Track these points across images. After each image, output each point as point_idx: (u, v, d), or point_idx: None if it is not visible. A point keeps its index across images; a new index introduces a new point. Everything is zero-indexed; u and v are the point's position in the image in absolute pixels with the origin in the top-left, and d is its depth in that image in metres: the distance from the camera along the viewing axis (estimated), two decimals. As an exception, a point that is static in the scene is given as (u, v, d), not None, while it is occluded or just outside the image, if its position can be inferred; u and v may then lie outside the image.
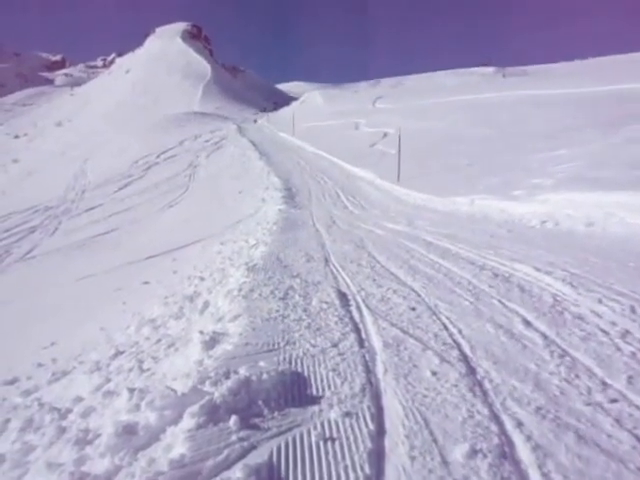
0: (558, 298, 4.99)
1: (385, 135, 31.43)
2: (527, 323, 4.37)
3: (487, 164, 17.66)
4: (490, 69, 73.30)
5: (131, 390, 3.77)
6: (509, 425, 2.84)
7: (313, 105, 65.14)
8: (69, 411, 4.34)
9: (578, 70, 44.81)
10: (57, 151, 67.34)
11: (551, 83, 36.53)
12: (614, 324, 4.17)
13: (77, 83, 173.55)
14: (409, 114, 36.70)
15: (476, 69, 74.91)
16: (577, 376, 3.36)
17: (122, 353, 5.95)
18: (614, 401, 3.03)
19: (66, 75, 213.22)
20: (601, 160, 12.19)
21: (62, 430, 3.91)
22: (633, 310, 4.39)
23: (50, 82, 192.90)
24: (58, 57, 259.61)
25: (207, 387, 3.40)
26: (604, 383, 3.25)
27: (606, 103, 24.07)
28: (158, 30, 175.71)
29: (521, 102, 31.53)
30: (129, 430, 3.11)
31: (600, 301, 4.70)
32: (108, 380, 5.02)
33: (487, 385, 3.33)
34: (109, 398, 4.27)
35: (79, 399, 4.64)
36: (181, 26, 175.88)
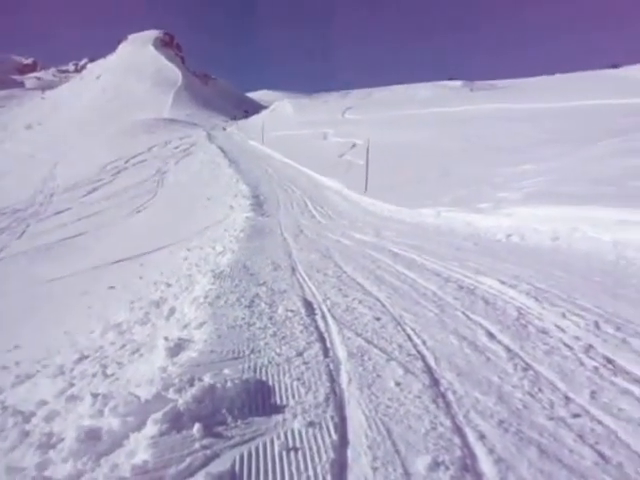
0: (522, 311, 5.00)
1: (354, 146, 31.59)
2: (491, 336, 4.36)
3: (454, 177, 17.85)
4: (458, 83, 74.07)
5: (95, 395, 3.70)
6: (472, 437, 2.82)
7: (283, 114, 65.20)
8: (32, 415, 4.28)
9: (545, 86, 45.51)
10: (27, 154, 66.29)
11: (519, 98, 37.09)
12: (578, 339, 4.17)
13: (48, 87, 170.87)
14: (378, 125, 36.96)
15: (445, 82, 75.61)
16: (540, 390, 3.35)
17: (86, 358, 5.87)
18: (577, 416, 3.02)
19: (37, 78, 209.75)
20: (567, 175, 12.36)
21: (25, 434, 3.85)
22: (597, 325, 4.39)
23: (21, 85, 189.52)
24: (30, 60, 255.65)
25: (171, 394, 3.34)
26: (567, 397, 3.24)
27: (575, 118, 24.49)
28: (130, 37, 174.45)
29: (489, 116, 31.97)
30: (92, 435, 3.05)
31: (564, 315, 4.70)
32: (72, 384, 4.96)
33: (450, 397, 3.30)
34: (73, 403, 4.21)
35: (43, 403, 4.57)
36: (153, 34, 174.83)
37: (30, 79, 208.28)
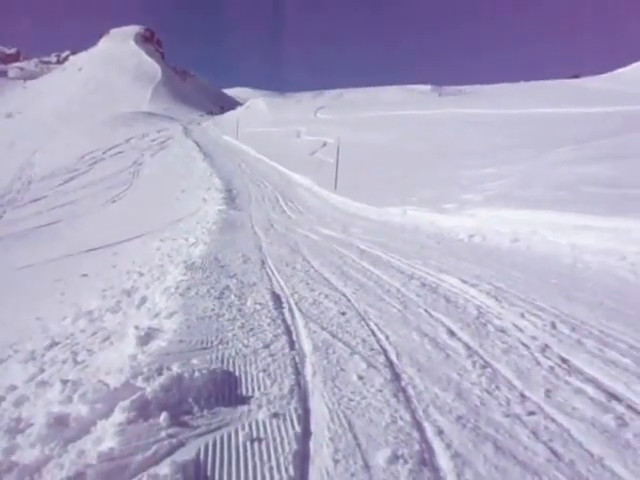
0: (482, 310, 5.02)
1: (325, 144, 31.61)
2: (451, 333, 4.36)
3: (421, 177, 17.94)
4: (427, 87, 74.66)
5: (64, 382, 3.63)
6: (430, 432, 2.81)
7: (257, 111, 64.92)
8: (2, 399, 4.17)
9: (510, 93, 46.08)
10: (6, 142, 64.89)
11: (484, 104, 37.50)
12: (535, 338, 4.19)
13: (30, 77, 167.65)
14: (348, 125, 37.05)
15: (414, 86, 76.15)
16: (497, 387, 3.35)
17: (57, 344, 5.73)
18: (532, 413, 3.02)
19: (20, 68, 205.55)
20: (527, 179, 12.47)
21: None
22: (553, 325, 4.42)
23: (3, 74, 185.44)
24: (13, 50, 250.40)
25: (139, 382, 3.27)
26: (523, 395, 3.24)
27: (538, 125, 24.79)
28: (112, 31, 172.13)
29: (456, 120, 32.23)
30: (60, 421, 2.98)
31: (522, 315, 4.73)
32: (42, 370, 4.83)
33: (411, 391, 3.29)
34: (42, 388, 4.10)
35: (12, 388, 4.45)
36: (135, 29, 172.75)
37: (12, 69, 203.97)
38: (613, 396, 3.21)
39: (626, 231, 7.10)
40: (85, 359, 4.77)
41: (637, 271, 6.19)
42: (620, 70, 48.03)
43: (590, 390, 3.28)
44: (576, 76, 62.73)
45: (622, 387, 3.30)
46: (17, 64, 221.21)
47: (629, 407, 3.07)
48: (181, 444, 2.69)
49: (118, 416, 2.89)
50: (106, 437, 2.75)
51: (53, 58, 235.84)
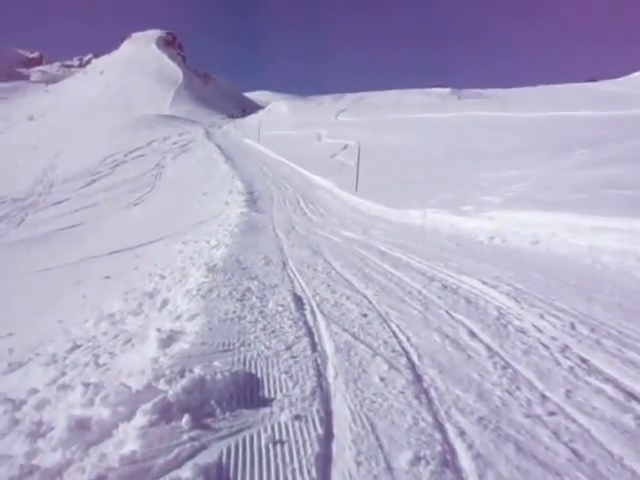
0: (502, 311, 5.01)
1: (345, 147, 31.58)
2: (472, 334, 4.36)
3: (440, 180, 17.86)
4: (447, 90, 74.37)
5: (86, 385, 3.63)
6: (452, 434, 2.81)
7: (278, 114, 65.04)
8: (23, 403, 4.16)
9: (528, 96, 45.88)
10: (28, 145, 65.73)
11: (503, 107, 37.32)
12: (554, 339, 4.19)
13: (52, 80, 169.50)
14: (369, 128, 36.96)
15: (433, 90, 75.86)
16: (518, 388, 3.35)
17: (79, 347, 5.76)
18: (552, 414, 3.02)
19: (42, 72, 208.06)
20: (548, 182, 12.39)
21: (15, 422, 3.74)
22: (572, 326, 4.42)
23: (26, 78, 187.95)
24: (35, 54, 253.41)
25: (161, 385, 3.29)
26: (543, 396, 3.24)
27: (555, 128, 24.67)
28: (134, 35, 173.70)
29: (475, 123, 32.10)
30: (82, 425, 2.99)
31: (542, 316, 4.72)
32: (63, 373, 4.84)
33: (432, 393, 3.29)
34: (64, 392, 4.07)
35: (34, 391, 4.44)
36: (156, 33, 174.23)
37: (35, 72, 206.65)
38: (632, 396, 3.21)
39: None
40: (107, 362, 4.78)
41: (654, 272, 6.15)
42: (636, 74, 47.94)
43: (609, 390, 3.28)
44: (593, 80, 62.56)
45: None
46: (39, 68, 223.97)
47: None
48: (203, 447, 2.69)
49: (140, 419, 2.91)
50: (128, 440, 2.76)
51: (75, 62, 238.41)
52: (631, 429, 2.84)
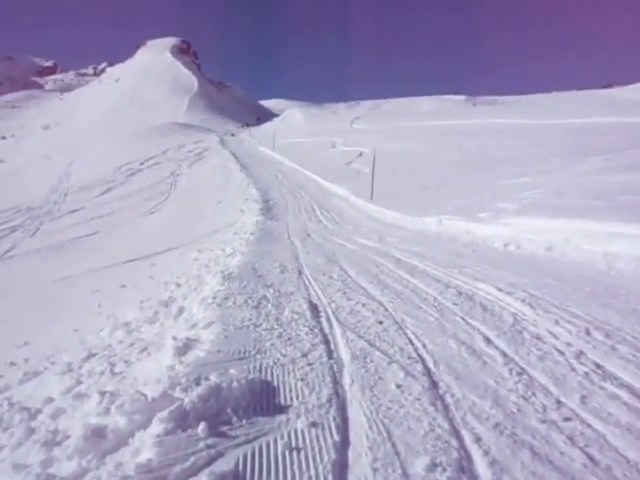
0: (518, 318, 5.02)
1: (360, 154, 31.59)
2: (488, 341, 4.38)
3: (455, 187, 17.82)
4: (461, 97, 74.40)
5: (102, 393, 3.68)
6: (468, 440, 2.83)
7: (293, 122, 65.27)
8: (39, 412, 4.21)
9: (543, 103, 45.87)
10: (43, 153, 66.45)
11: (518, 113, 37.25)
12: (569, 345, 4.20)
13: (67, 89, 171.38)
14: (384, 136, 36.98)
15: (449, 97, 75.89)
16: (534, 394, 3.37)
17: (94, 356, 5.81)
18: (568, 419, 3.05)
19: (57, 81, 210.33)
20: (561, 188, 12.36)
21: (31, 431, 3.79)
22: (587, 332, 4.43)
23: (40, 86, 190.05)
24: (50, 63, 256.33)
25: (177, 393, 3.32)
26: (559, 402, 3.27)
27: (569, 135, 24.60)
28: (149, 43, 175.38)
29: (490, 130, 32.06)
30: (98, 433, 3.03)
31: (557, 322, 4.74)
32: (79, 382, 4.89)
33: (448, 399, 3.32)
34: (79, 400, 4.14)
35: (49, 400, 4.50)
36: (171, 41, 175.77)
37: (49, 81, 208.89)
38: (647, 401, 3.21)
39: None
40: (122, 370, 4.82)
41: (669, 278, 6.14)
42: None
43: (625, 395, 3.30)
44: (608, 85, 62.49)
45: None
46: (54, 76, 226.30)
47: None
48: (220, 454, 2.72)
49: (156, 427, 2.93)
50: (144, 448, 2.78)
51: (90, 70, 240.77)
52: (646, 434, 2.85)
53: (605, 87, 61.29)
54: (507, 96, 70.88)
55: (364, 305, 5.68)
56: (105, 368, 5.02)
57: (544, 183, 13.95)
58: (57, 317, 9.25)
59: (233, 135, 70.22)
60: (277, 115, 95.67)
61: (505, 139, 27.14)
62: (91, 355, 5.85)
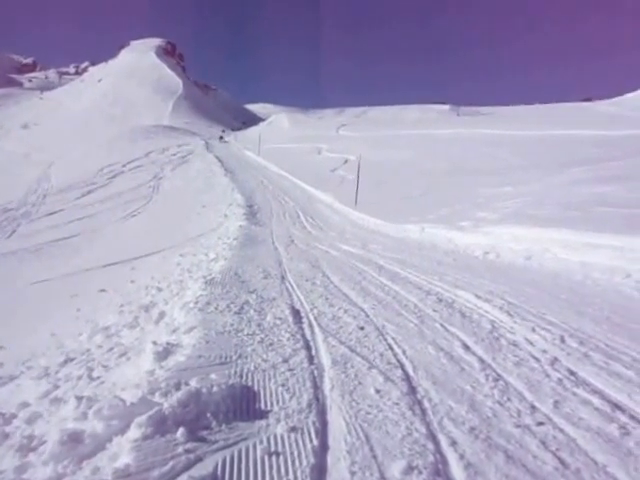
0: (495, 325, 5.14)
1: (346, 161, 31.80)
2: (466, 347, 4.48)
3: (438, 195, 18.05)
4: (446, 107, 75.29)
5: (79, 398, 3.63)
6: (444, 444, 2.90)
7: (279, 127, 65.43)
8: (14, 417, 4.10)
9: (525, 114, 46.80)
10: (21, 153, 65.82)
11: (501, 124, 37.93)
12: (545, 352, 4.32)
13: (47, 87, 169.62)
14: (369, 143, 37.25)
15: (433, 106, 76.75)
16: (509, 399, 3.46)
17: (72, 360, 5.71)
18: (541, 424, 3.13)
19: (36, 79, 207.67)
20: (541, 199, 12.62)
21: (5, 436, 3.68)
22: (562, 339, 4.56)
23: (19, 84, 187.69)
24: (29, 60, 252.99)
25: (157, 398, 3.32)
26: (533, 407, 3.36)
27: (550, 146, 25.07)
28: (133, 43, 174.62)
29: (474, 139, 32.50)
30: (75, 438, 2.99)
31: (533, 330, 4.87)
32: (56, 387, 4.81)
33: (426, 404, 3.39)
34: (56, 405, 4.09)
35: (25, 405, 4.40)
36: (156, 42, 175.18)
37: (29, 79, 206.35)
38: (617, 406, 3.33)
39: (632, 250, 7.31)
40: (101, 375, 4.77)
41: (641, 288, 6.34)
42: (628, 95, 49.27)
43: (596, 401, 3.41)
44: (588, 99, 63.83)
45: (626, 398, 3.44)
46: (34, 74, 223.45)
47: (632, 417, 3.20)
48: (198, 459, 2.72)
49: (134, 432, 2.91)
50: (122, 453, 2.76)
51: (71, 69, 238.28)
52: (615, 438, 2.96)
53: (585, 100, 62.70)
54: (490, 107, 71.95)
55: (346, 311, 5.75)
56: (83, 373, 4.97)
57: (525, 193, 14.21)
58: (34, 321, 9.13)
59: (222, 138, 69.93)
60: (263, 119, 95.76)
61: (488, 149, 27.56)
62: (69, 360, 5.76)
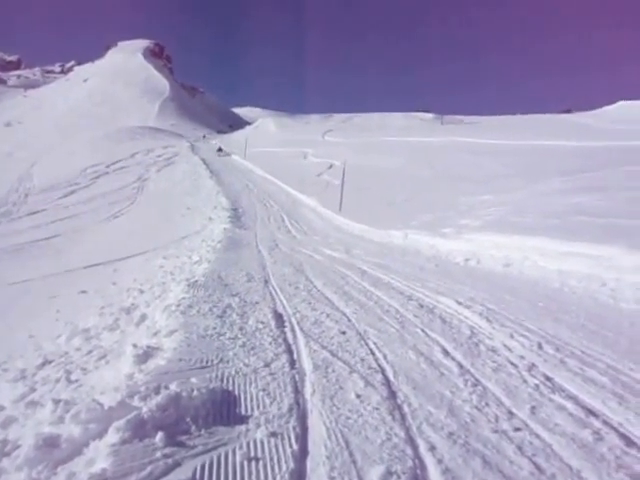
0: (475, 331, 5.19)
1: (331, 166, 31.88)
2: (446, 352, 4.51)
3: (422, 202, 18.17)
4: (430, 115, 75.98)
5: (56, 401, 3.57)
6: (423, 449, 2.91)
7: (266, 131, 65.43)
8: None
9: (507, 124, 47.45)
10: (4, 151, 65.07)
11: (483, 133, 38.41)
12: (522, 358, 4.37)
13: (32, 86, 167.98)
14: (354, 149, 37.42)
15: (418, 114, 77.39)
16: (487, 404, 3.49)
17: (50, 363, 5.59)
18: (518, 429, 3.16)
19: (21, 77, 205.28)
20: (521, 207, 12.78)
21: None
22: (540, 346, 4.61)
23: (3, 82, 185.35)
24: (13, 57, 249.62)
25: (136, 402, 3.27)
26: (510, 412, 3.39)
27: (529, 156, 25.45)
28: (120, 44, 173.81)
29: (457, 148, 32.82)
30: (50, 443, 2.93)
31: (512, 336, 4.92)
32: (33, 390, 4.71)
33: (406, 409, 3.40)
34: (32, 409, 3.98)
35: (0, 408, 4.30)
36: (143, 43, 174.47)
37: (13, 76, 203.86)
38: (591, 412, 3.38)
39: (607, 258, 7.40)
40: (79, 378, 4.69)
41: (616, 296, 6.44)
42: (607, 107, 50.42)
43: (571, 407, 3.45)
44: (568, 111, 64.96)
45: (599, 404, 3.49)
46: (18, 72, 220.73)
47: (605, 422, 3.24)
48: (177, 464, 2.69)
49: (112, 436, 2.87)
50: (99, 458, 2.72)
51: (57, 68, 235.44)
52: (589, 443, 3.00)
53: (565, 112, 63.76)
54: (473, 116, 72.86)
55: (328, 316, 5.77)
56: (61, 376, 4.86)
57: (505, 201, 14.37)
58: (11, 323, 8.94)
59: (207, 142, 69.66)
60: (250, 123, 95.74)
61: (471, 157, 27.85)
62: (47, 362, 5.64)
